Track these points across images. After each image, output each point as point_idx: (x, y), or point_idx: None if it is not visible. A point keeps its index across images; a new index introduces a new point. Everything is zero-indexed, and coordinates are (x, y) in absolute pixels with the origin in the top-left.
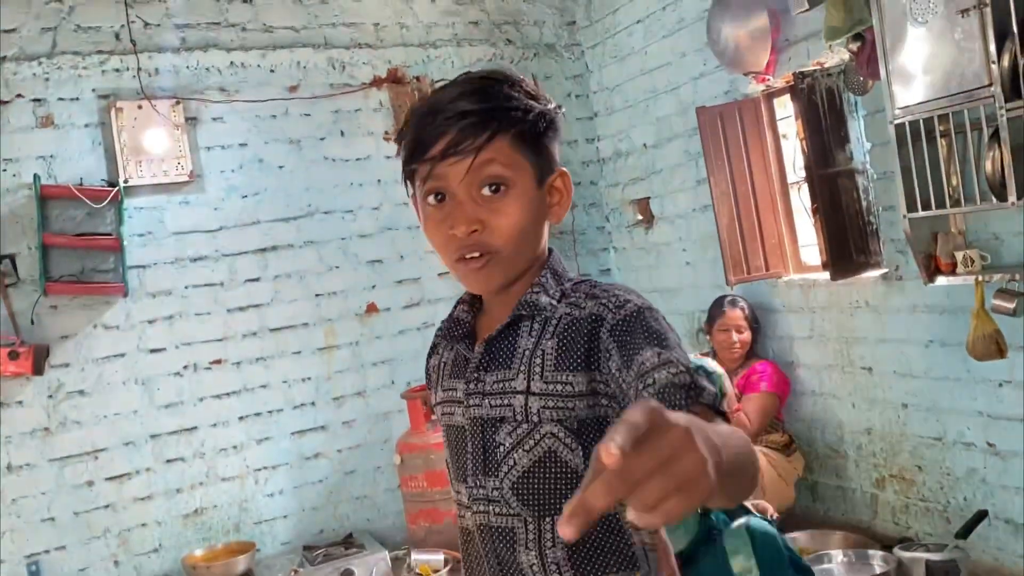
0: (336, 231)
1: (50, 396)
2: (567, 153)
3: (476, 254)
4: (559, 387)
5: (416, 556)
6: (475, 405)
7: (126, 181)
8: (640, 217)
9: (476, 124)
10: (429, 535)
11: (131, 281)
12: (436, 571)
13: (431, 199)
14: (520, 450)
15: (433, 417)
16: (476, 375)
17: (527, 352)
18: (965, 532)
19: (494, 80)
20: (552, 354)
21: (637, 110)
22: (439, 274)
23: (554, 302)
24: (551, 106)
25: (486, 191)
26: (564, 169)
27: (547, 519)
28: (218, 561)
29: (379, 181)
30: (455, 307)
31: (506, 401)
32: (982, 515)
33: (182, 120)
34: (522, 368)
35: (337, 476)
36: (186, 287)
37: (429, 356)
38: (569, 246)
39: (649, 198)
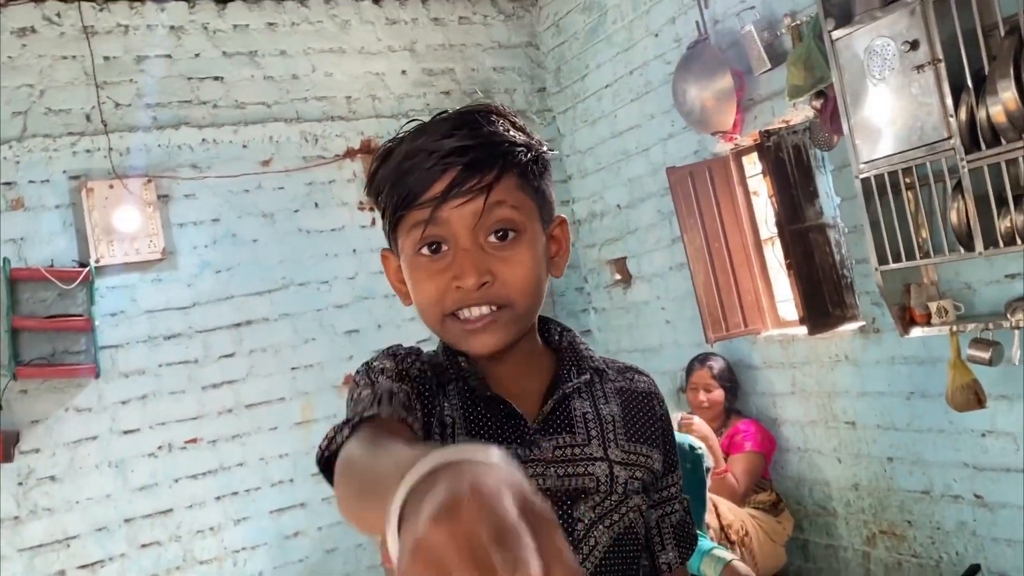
0: (311, 303)
1: (20, 483)
2: None
3: (484, 310)
4: (640, 459)
5: None
6: (536, 475)
7: (97, 261)
8: (618, 277)
9: (482, 161)
10: None
11: (103, 362)
12: None
13: (424, 250)
14: (600, 526)
15: None
16: (533, 439)
17: (589, 415)
18: None
19: (488, 112)
20: (620, 421)
21: (610, 172)
22: (418, 341)
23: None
24: (545, 144)
25: (493, 238)
26: (563, 216)
27: None
28: None
29: (354, 251)
30: (453, 356)
31: (583, 470)
32: (975, 569)
33: (154, 198)
34: (592, 433)
35: (318, 554)
36: (159, 365)
37: (420, 387)
38: (549, 308)
39: (626, 258)
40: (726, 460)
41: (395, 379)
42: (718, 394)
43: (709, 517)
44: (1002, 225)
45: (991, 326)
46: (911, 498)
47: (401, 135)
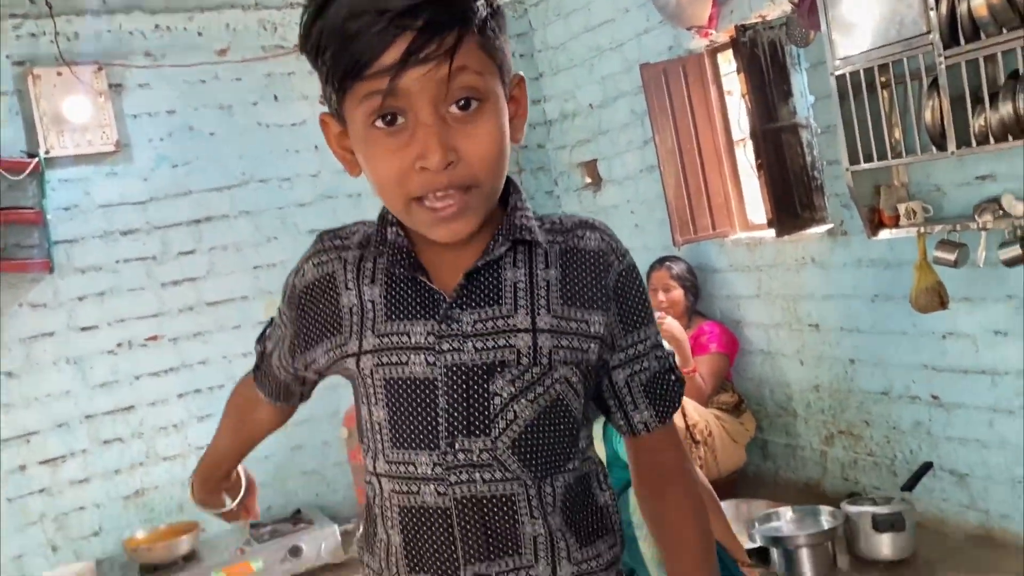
0: (273, 200)
1: None
2: None
3: (451, 199)
4: (574, 324)
5: None
6: (453, 350)
7: (47, 152)
8: (588, 180)
9: (440, 22)
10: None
11: (57, 257)
12: None
13: (379, 123)
14: (523, 400)
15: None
16: (451, 314)
17: (521, 284)
18: (911, 484)
19: None
20: (557, 285)
21: (582, 69)
22: (364, 224)
23: (537, 227)
24: None
25: (455, 109)
26: (520, 74)
27: (548, 480)
28: (161, 542)
29: (316, 147)
30: (383, 228)
31: (503, 342)
32: (927, 467)
33: (105, 87)
34: (520, 302)
35: (283, 452)
36: (117, 262)
37: (327, 287)
38: None
39: (597, 160)
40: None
41: (284, 317)
42: (677, 294)
43: (676, 417)
44: (976, 124)
45: (958, 228)
46: (870, 399)
47: None
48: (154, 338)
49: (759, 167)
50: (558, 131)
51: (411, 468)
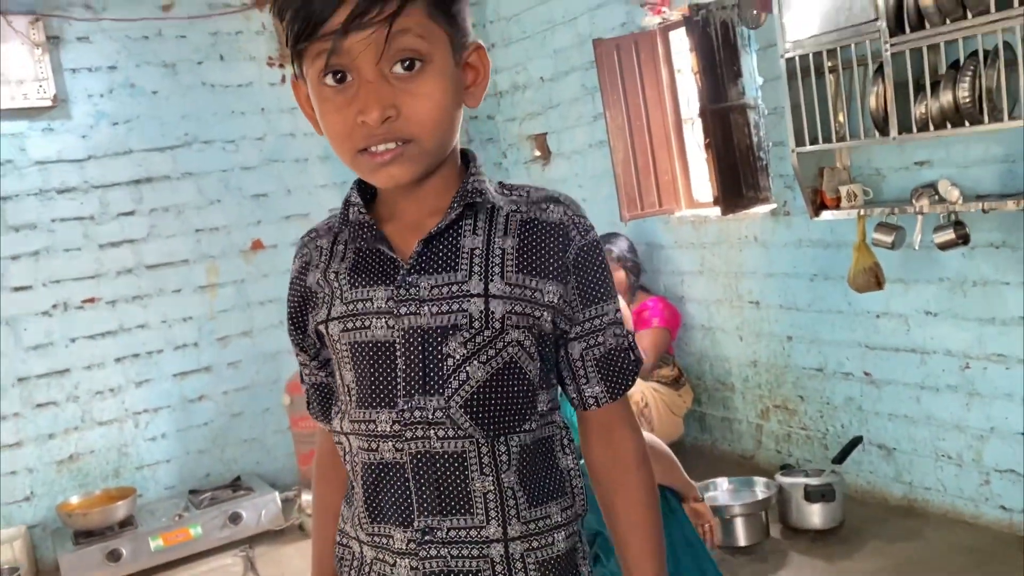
0: (217, 163)
1: None
2: None
3: (390, 145)
4: (527, 292)
5: (307, 497)
6: (410, 314)
7: None
8: (537, 153)
9: None
10: None
11: None
12: None
13: (328, 79)
14: (475, 362)
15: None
16: (408, 279)
17: (477, 251)
18: (841, 457)
19: None
20: (513, 254)
21: (535, 41)
22: (329, 209)
23: (496, 195)
24: None
25: (399, 68)
26: (480, 42)
27: (502, 439)
28: (96, 508)
29: (263, 110)
30: (345, 209)
31: (457, 307)
32: (857, 441)
33: (43, 39)
34: (475, 268)
35: (223, 418)
36: (52, 220)
37: (302, 273)
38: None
39: (546, 133)
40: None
41: (291, 323)
42: (619, 275)
43: None
44: (917, 111)
45: (896, 211)
46: (805, 375)
47: None
48: (91, 300)
49: (707, 146)
50: (508, 103)
51: (372, 426)
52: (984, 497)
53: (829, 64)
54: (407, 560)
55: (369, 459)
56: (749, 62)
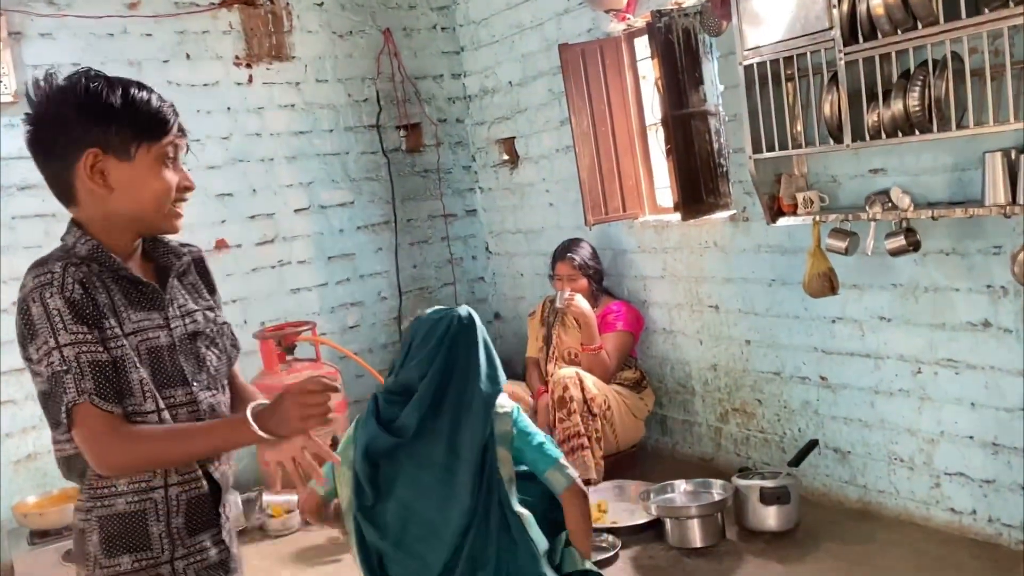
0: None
1: None
2: (431, 88)
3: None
4: (210, 303)
5: (268, 498)
6: (176, 327)
7: None
8: (506, 157)
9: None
10: (283, 475)
11: None
12: (289, 511)
13: (169, 161)
14: (213, 349)
15: (288, 358)
16: (166, 304)
17: (185, 283)
18: (797, 460)
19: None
20: (200, 283)
21: (503, 46)
22: (295, 209)
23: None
24: None
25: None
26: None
27: (224, 391)
28: (53, 508)
29: (229, 109)
30: (108, 254)
31: (192, 319)
32: (813, 444)
33: (4, 34)
34: (191, 295)
35: None
36: (13, 218)
37: (82, 297)
38: (435, 185)
39: (515, 138)
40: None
41: (75, 328)
42: (582, 284)
43: (575, 391)
44: (870, 119)
45: (850, 217)
46: (763, 379)
47: (117, 79)
48: None
49: (668, 151)
50: (477, 107)
51: (173, 399)
52: (935, 500)
53: (787, 72)
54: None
55: (173, 415)
56: (711, 69)
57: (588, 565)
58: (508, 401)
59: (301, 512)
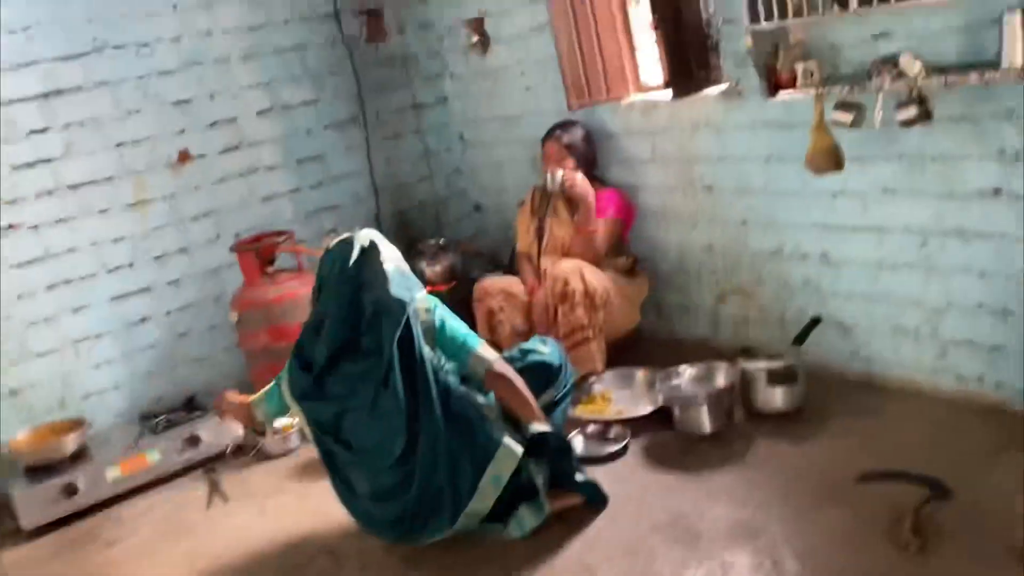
0: (131, 69)
1: None
2: None
3: None
4: None
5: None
6: None
7: None
8: (476, 39)
9: None
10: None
11: None
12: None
13: None
14: None
15: (269, 269)
16: None
17: None
18: (801, 338)
19: None
20: None
21: None
22: (258, 112)
23: None
24: None
25: None
26: None
27: None
28: (44, 442)
29: (175, 7)
30: None
31: None
32: (816, 321)
33: None
34: None
35: (169, 339)
36: None
37: None
38: (402, 75)
39: (483, 18)
40: None
41: None
42: (569, 163)
43: (576, 283)
44: None
45: (855, 88)
46: (761, 258)
47: None
48: (12, 227)
49: (656, 24)
50: None
51: None
52: (942, 368)
53: None
54: None
55: None
56: None
57: (542, 428)
58: (427, 297)
59: (219, 411)
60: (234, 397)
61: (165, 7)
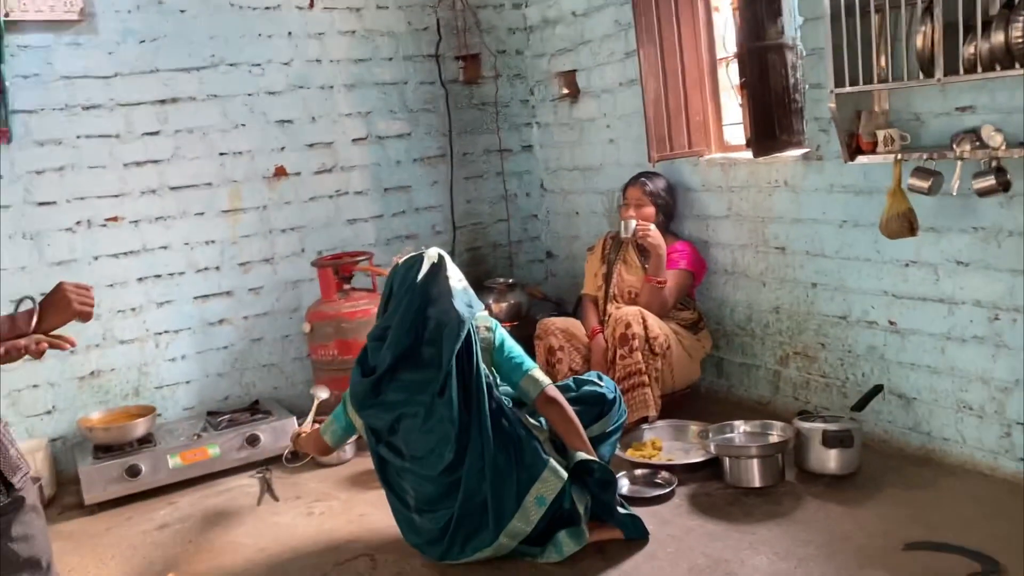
0: (242, 86)
1: None
2: (491, 18)
3: None
4: None
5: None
6: None
7: (7, 14)
8: (566, 91)
9: None
10: (338, 403)
11: (15, 127)
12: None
13: None
14: None
15: (345, 287)
16: None
17: None
18: (860, 405)
19: None
20: None
21: None
22: (353, 139)
23: None
24: None
25: None
26: None
27: None
28: (116, 424)
29: (290, 34)
30: None
31: None
32: (877, 389)
33: None
34: None
35: (243, 343)
36: (78, 137)
37: None
38: (491, 119)
39: (576, 71)
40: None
41: None
42: (649, 211)
43: (638, 328)
44: (966, 52)
45: (935, 156)
46: (828, 322)
47: None
48: (115, 219)
49: (743, 85)
50: (538, 38)
51: None
52: (1004, 449)
53: (875, 3)
54: None
55: None
56: (790, 0)
57: (588, 457)
58: (488, 317)
59: (295, 444)
60: (304, 429)
61: (281, 32)
